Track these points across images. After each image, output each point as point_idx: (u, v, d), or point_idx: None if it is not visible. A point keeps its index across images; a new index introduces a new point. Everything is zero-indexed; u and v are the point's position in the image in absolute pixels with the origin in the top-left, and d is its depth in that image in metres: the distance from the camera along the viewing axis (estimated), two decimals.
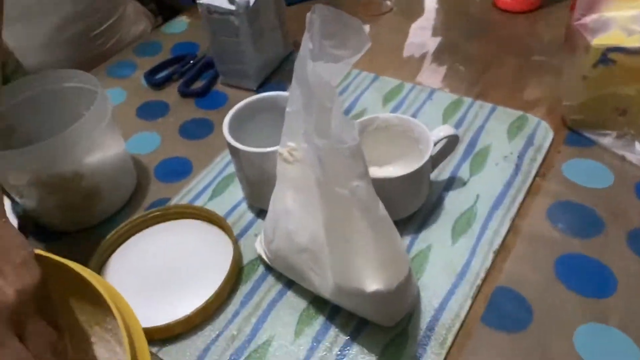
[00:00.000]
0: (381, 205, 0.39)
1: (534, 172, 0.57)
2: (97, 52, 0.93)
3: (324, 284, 0.43)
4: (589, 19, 0.56)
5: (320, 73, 0.36)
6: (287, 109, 0.42)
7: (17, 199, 0.54)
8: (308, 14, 0.36)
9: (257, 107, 0.54)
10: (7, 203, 0.55)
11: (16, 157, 0.48)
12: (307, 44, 0.37)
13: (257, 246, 0.50)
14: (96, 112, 0.52)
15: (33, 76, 0.57)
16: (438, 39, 0.79)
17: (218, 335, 0.45)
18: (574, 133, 0.61)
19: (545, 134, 0.61)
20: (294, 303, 0.47)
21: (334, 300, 0.44)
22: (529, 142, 0.60)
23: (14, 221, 0.55)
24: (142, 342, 0.34)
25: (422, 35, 0.81)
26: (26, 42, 0.83)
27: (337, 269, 0.40)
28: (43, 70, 0.57)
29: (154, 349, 0.45)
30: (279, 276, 0.49)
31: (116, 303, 0.34)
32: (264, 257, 0.48)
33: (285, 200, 0.43)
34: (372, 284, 0.39)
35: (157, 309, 0.47)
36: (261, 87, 0.72)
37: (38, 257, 0.37)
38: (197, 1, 0.66)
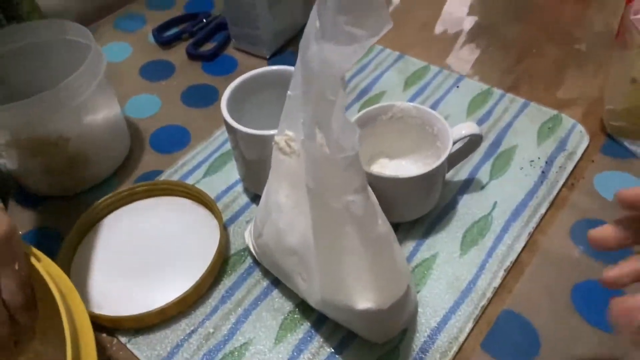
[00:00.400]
0: (381, 220, 0.34)
1: (561, 181, 0.51)
2: None
3: (311, 292, 0.39)
4: None
5: (328, 57, 0.30)
6: (289, 92, 0.37)
7: None
8: None
9: (263, 82, 0.49)
10: None
11: None
12: (314, 20, 0.31)
13: (246, 236, 0.46)
14: (87, 70, 0.47)
15: (22, 25, 0.52)
16: (474, 18, 0.72)
17: (193, 331, 0.42)
18: (613, 141, 0.54)
19: (580, 139, 0.55)
20: (279, 305, 0.43)
21: (320, 309, 0.40)
22: (561, 146, 0.54)
23: None
24: (87, 332, 0.30)
25: (457, 11, 0.73)
26: None
27: (325, 281, 0.36)
28: (42, 20, 0.53)
29: (124, 339, 0.42)
30: (266, 272, 0.45)
31: (63, 291, 0.30)
32: (252, 250, 0.44)
33: (278, 194, 0.38)
34: (363, 302, 0.35)
35: (132, 295, 0.44)
36: (275, 56, 0.67)
37: None
38: None
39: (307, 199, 0.35)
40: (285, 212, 0.38)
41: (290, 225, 0.38)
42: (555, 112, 0.57)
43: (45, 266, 0.31)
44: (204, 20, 0.72)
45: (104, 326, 0.42)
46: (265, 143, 0.43)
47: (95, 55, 0.49)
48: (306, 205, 0.36)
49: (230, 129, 0.45)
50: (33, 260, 0.31)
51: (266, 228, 0.41)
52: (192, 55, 0.68)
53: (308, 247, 0.37)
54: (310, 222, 0.35)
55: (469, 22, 0.71)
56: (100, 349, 0.41)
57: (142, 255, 0.46)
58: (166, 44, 0.70)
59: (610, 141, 0.55)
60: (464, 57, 0.66)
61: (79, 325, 0.29)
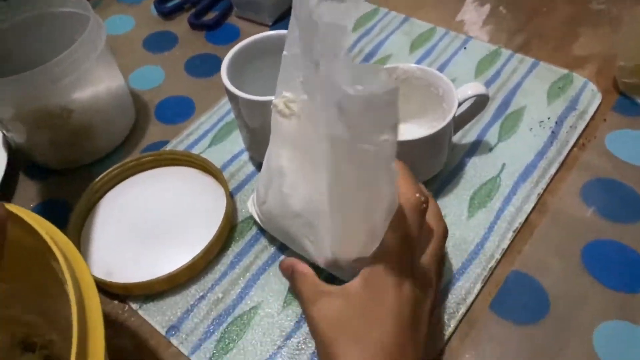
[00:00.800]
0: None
1: (572, 141, 0.50)
2: None
3: (319, 253, 0.38)
4: None
5: (324, 14, 0.30)
6: (284, 52, 0.36)
7: (5, 133, 0.51)
8: None
9: (263, 47, 0.48)
10: None
11: None
12: None
13: (249, 206, 0.46)
14: (86, 42, 0.47)
15: None
16: None
17: (202, 297, 0.42)
18: (626, 99, 0.53)
19: (591, 97, 0.53)
20: None
21: (329, 269, 0.40)
22: (572, 106, 0.53)
23: (3, 155, 0.52)
24: (92, 296, 0.30)
25: None
26: None
27: (338, 238, 0.35)
28: None
29: (135, 305, 0.42)
30: (273, 239, 0.45)
31: (67, 256, 0.30)
32: (256, 218, 0.44)
33: (279, 158, 0.38)
34: None
35: (141, 262, 0.44)
36: (277, 23, 0.66)
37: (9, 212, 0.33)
38: None
39: (310, 160, 0.35)
40: (288, 175, 0.38)
41: (294, 187, 0.38)
42: (565, 71, 0.56)
43: (50, 233, 0.31)
44: None
45: (115, 293, 0.43)
46: (267, 109, 0.43)
47: (95, 25, 0.48)
48: (310, 165, 0.35)
49: (232, 97, 0.45)
50: (35, 224, 0.31)
51: (270, 194, 0.40)
52: (195, 25, 0.67)
53: (313, 209, 0.36)
54: (313, 183, 0.34)
55: None
56: (113, 315, 0.42)
57: (150, 224, 0.47)
58: (168, 15, 0.69)
59: (623, 99, 0.53)
60: (472, 17, 0.64)
61: (84, 290, 0.29)
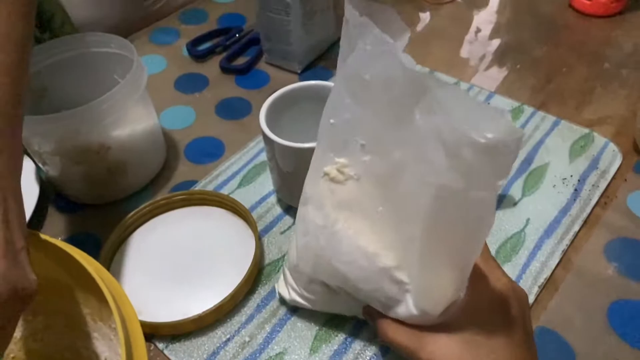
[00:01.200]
0: None
1: (594, 200, 0.51)
2: (145, 12, 0.90)
3: (389, 310, 0.36)
4: None
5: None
6: (331, 120, 0.35)
7: (41, 166, 0.52)
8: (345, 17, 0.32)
9: (298, 96, 0.50)
10: (30, 167, 0.54)
11: (42, 123, 0.45)
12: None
13: (278, 288, 0.44)
14: (130, 83, 0.48)
15: (70, 37, 0.54)
16: (503, 37, 0.73)
17: (229, 339, 0.42)
18: None
19: (612, 157, 0.55)
20: (314, 315, 0.43)
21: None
22: (593, 164, 0.54)
23: (35, 187, 0.53)
24: (138, 339, 0.31)
25: (486, 30, 0.74)
26: None
27: (427, 290, 0.34)
28: (84, 33, 0.55)
29: (161, 345, 0.42)
30: None
31: (115, 297, 0.31)
32: (297, 299, 0.42)
33: (336, 224, 0.36)
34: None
35: (169, 302, 0.44)
36: (306, 71, 0.68)
37: (46, 244, 0.34)
38: None
39: (373, 217, 0.34)
40: (347, 241, 0.36)
41: (359, 249, 0.35)
42: (587, 130, 0.58)
43: (97, 271, 0.32)
44: (237, 35, 0.74)
45: (142, 332, 0.43)
46: (300, 154, 0.44)
47: (138, 68, 0.50)
48: (373, 225, 0.35)
49: (268, 141, 0.46)
50: (86, 264, 0.32)
51: (319, 268, 0.38)
52: (226, 69, 0.69)
53: (379, 267, 0.35)
54: (421, 228, 0.31)
55: (497, 41, 0.72)
56: None
57: (179, 263, 0.47)
58: (200, 57, 0.72)
59: None
60: (492, 75, 0.67)
61: (131, 331, 0.30)
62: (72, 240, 0.51)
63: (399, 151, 0.31)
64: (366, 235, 0.35)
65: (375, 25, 0.30)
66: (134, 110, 0.51)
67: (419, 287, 0.34)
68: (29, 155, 0.52)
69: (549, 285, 0.45)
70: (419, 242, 0.32)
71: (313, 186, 0.38)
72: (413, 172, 0.30)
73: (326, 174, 0.36)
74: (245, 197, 0.53)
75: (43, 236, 0.36)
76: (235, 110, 0.64)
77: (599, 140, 0.56)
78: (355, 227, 0.36)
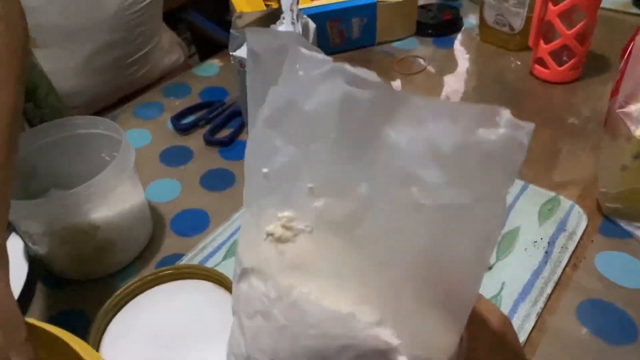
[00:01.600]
0: None
1: (564, 261, 0.54)
2: (129, 79, 0.94)
3: None
4: (633, 108, 0.53)
5: None
6: (264, 170, 0.29)
7: (30, 245, 0.53)
8: None
9: None
10: (19, 245, 0.55)
11: (31, 207, 0.47)
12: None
13: None
14: (118, 164, 0.51)
15: (59, 121, 0.56)
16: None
17: None
18: (610, 222, 0.58)
19: (578, 219, 0.58)
20: None
21: None
22: (561, 227, 0.57)
23: (24, 265, 0.54)
24: None
25: (455, 97, 0.79)
26: (62, 65, 0.85)
27: (427, 336, 0.30)
28: (72, 116, 0.57)
29: None
30: None
31: None
32: None
33: (291, 295, 0.30)
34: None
35: None
36: None
37: (35, 329, 0.35)
38: (231, 53, 0.66)
39: (338, 272, 0.29)
40: (312, 309, 0.29)
41: (329, 314, 0.29)
42: (553, 193, 0.61)
43: (88, 354, 0.33)
44: (220, 108, 0.77)
45: None
46: None
47: (126, 149, 0.53)
48: (334, 281, 0.29)
49: None
50: (76, 346, 0.33)
51: (284, 355, 0.31)
52: (209, 142, 0.72)
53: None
54: (414, 262, 0.27)
55: None
56: None
57: (168, 338, 0.48)
58: (184, 130, 0.75)
59: (607, 221, 0.58)
60: None
61: None
62: (60, 316, 0.52)
63: (365, 184, 0.26)
64: (333, 295, 0.29)
65: (299, 46, 0.25)
66: (122, 189, 0.52)
67: (413, 341, 0.29)
68: (17, 233, 0.53)
69: (527, 349, 0.47)
70: (409, 284, 0.27)
71: (254, 255, 0.30)
72: (390, 204, 0.26)
73: (269, 235, 0.29)
74: (231, 269, 0.54)
75: (30, 320, 0.36)
76: (219, 182, 0.66)
77: (565, 203, 0.60)
78: (316, 289, 0.29)
